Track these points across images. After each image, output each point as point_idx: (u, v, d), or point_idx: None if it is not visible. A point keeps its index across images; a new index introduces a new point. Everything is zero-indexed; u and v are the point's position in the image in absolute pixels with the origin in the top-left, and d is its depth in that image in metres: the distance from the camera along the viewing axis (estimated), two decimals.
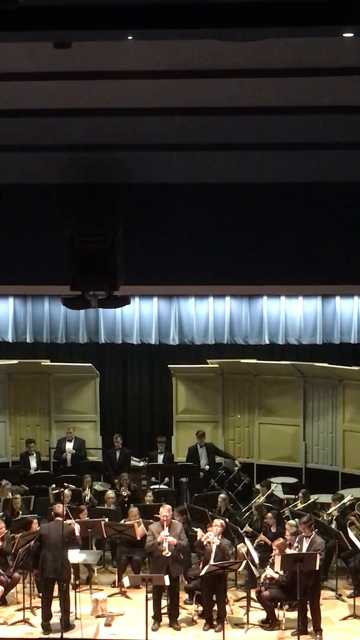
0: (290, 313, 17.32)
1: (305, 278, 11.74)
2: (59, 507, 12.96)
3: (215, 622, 12.69)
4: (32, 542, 12.93)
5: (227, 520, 13.75)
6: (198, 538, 13.05)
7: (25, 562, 13.01)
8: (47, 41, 7.21)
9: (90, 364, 18.27)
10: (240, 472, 17.22)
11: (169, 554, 12.59)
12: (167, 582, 12.31)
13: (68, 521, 13.06)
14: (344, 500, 14.72)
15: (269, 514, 14.08)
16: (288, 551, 12.59)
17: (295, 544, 12.64)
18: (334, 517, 14.44)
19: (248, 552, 12.94)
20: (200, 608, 13.04)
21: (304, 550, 12.43)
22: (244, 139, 9.95)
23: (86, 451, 17.76)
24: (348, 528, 13.76)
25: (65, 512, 13.01)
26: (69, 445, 17.47)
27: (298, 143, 10.04)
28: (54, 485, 16.11)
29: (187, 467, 17.09)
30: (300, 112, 9.24)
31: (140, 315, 17.70)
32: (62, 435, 17.85)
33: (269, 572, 12.75)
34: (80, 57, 7.89)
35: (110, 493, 15.33)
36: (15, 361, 18.17)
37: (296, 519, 13.96)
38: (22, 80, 8.52)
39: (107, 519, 14.02)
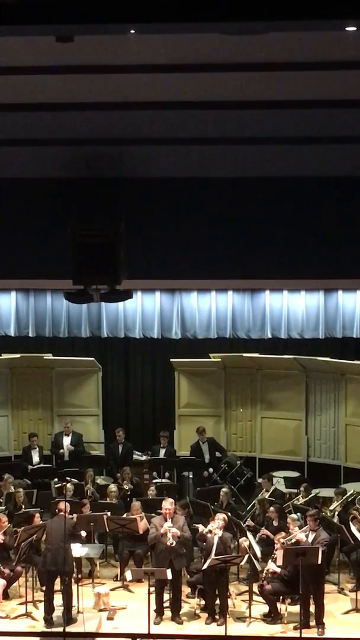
0: (293, 307, 17.31)
1: (307, 272, 11.75)
2: (62, 504, 12.96)
3: (217, 616, 12.71)
4: (35, 536, 12.96)
5: (229, 514, 13.76)
6: (199, 531, 13.07)
7: (28, 556, 13.03)
8: (49, 35, 7.20)
9: (92, 358, 18.26)
10: (242, 466, 17.23)
11: (173, 543, 12.61)
12: (169, 575, 12.33)
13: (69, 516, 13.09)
14: (346, 496, 14.72)
15: (271, 508, 14.08)
16: (299, 535, 12.59)
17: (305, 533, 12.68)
18: (336, 512, 14.44)
19: (250, 546, 12.95)
20: (203, 602, 13.06)
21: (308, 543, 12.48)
22: (247, 132, 9.95)
23: (84, 446, 17.73)
24: (350, 522, 13.76)
25: (68, 509, 13.02)
26: (67, 440, 17.44)
27: (302, 137, 10.04)
28: (56, 480, 16.13)
29: (189, 461, 17.10)
30: (304, 106, 9.24)
31: (143, 310, 17.70)
32: (60, 429, 17.87)
33: (271, 566, 12.77)
34: (82, 51, 7.88)
35: (113, 487, 15.34)
36: (18, 355, 18.17)
37: (298, 513, 13.97)
38: (24, 74, 8.52)
39: (109, 513, 14.04)
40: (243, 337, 17.66)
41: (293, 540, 12.63)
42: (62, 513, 12.75)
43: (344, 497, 14.65)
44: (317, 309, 17.18)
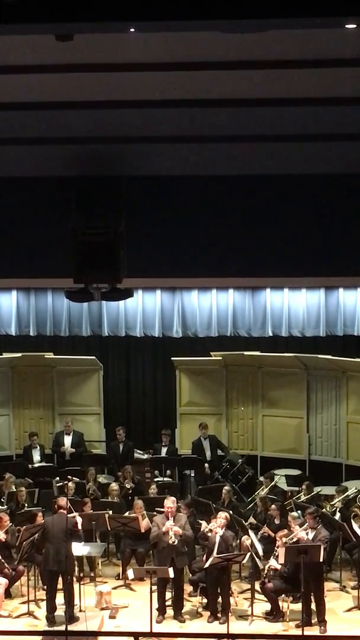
0: (294, 305, 17.31)
1: (308, 270, 11.73)
2: (62, 500, 12.99)
3: (219, 614, 12.72)
4: (37, 534, 12.96)
5: (231, 512, 13.77)
6: (201, 529, 13.08)
7: (30, 554, 13.04)
8: (48, 34, 7.19)
9: (93, 357, 18.28)
10: (244, 464, 17.23)
11: (175, 542, 12.62)
12: (171, 574, 12.33)
13: (70, 514, 13.08)
14: (348, 492, 14.73)
15: (273, 506, 14.09)
16: (300, 533, 12.58)
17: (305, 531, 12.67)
18: (338, 509, 14.45)
19: (252, 544, 12.95)
20: (205, 600, 13.07)
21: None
22: (247, 130, 9.93)
23: (85, 445, 17.74)
24: (352, 520, 13.77)
25: (68, 506, 13.02)
26: (67, 439, 17.46)
27: (301, 135, 10.02)
28: (57, 478, 16.14)
29: (190, 459, 17.10)
30: (303, 103, 9.22)
31: (144, 308, 17.70)
32: (61, 428, 17.87)
33: (272, 563, 12.77)
34: (83, 50, 7.87)
35: (114, 486, 15.36)
36: (19, 354, 18.19)
37: (299, 511, 13.97)
38: (24, 73, 8.51)
39: (111, 512, 14.05)
40: (244, 335, 17.67)
41: (294, 539, 12.63)
42: (62, 510, 12.76)
43: (345, 495, 14.65)
44: (318, 307, 17.18)
